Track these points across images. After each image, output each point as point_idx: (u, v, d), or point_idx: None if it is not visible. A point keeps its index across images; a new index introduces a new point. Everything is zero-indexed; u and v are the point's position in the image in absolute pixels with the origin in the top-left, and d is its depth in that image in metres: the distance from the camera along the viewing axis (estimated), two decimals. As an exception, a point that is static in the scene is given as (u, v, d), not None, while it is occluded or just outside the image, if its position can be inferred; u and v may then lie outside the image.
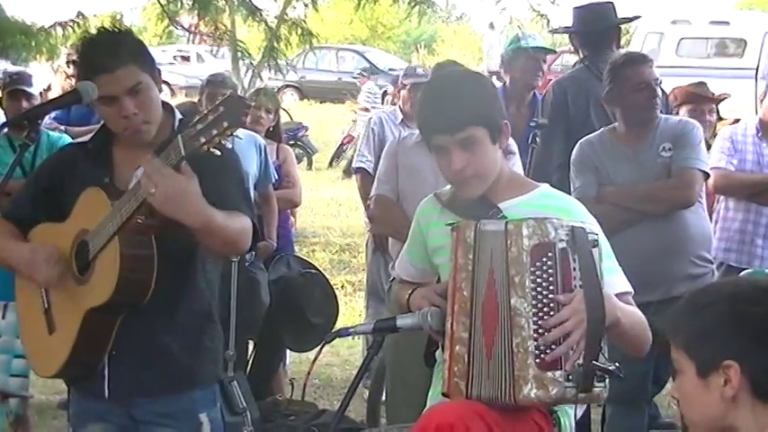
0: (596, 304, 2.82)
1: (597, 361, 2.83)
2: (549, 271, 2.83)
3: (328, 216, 13.15)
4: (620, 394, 4.97)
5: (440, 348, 3.10)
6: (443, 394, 3.01)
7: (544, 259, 2.82)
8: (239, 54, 9.20)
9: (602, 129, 5.23)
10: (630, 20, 7.33)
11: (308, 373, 3.24)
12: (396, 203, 5.10)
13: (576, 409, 3.02)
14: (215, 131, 2.90)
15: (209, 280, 3.49)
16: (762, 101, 6.12)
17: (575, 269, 2.84)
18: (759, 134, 5.98)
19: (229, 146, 2.99)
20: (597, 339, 2.83)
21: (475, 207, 3.11)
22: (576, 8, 6.37)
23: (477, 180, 3.11)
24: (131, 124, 3.29)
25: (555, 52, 6.03)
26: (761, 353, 2.30)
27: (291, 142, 12.21)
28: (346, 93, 22.00)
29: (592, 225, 2.98)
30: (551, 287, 2.83)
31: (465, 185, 3.13)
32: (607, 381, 2.88)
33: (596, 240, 2.89)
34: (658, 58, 5.24)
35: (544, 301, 2.83)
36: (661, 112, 5.13)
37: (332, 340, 3.22)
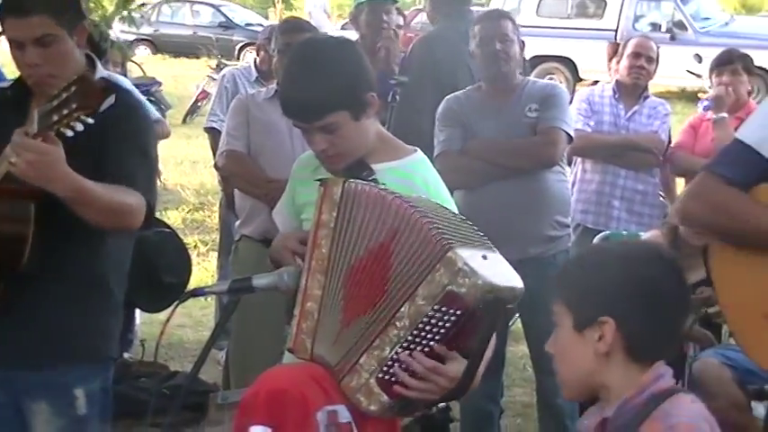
0: (465, 384, 2.70)
1: (430, 409, 2.82)
2: (447, 324, 2.64)
3: (182, 174, 12.89)
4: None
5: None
6: (289, 350, 2.91)
7: (450, 310, 2.62)
8: (91, 5, 8.89)
9: (468, 87, 5.19)
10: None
11: (161, 334, 3.11)
12: (248, 157, 4.98)
13: None
14: (65, 111, 2.80)
15: (110, 250, 3.38)
16: (618, 62, 6.19)
17: (470, 336, 2.67)
18: (616, 95, 6.06)
19: (80, 128, 2.84)
20: (443, 401, 2.81)
21: (350, 167, 3.01)
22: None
23: (340, 158, 3.02)
24: (35, 74, 3.19)
25: (396, 2, 5.90)
26: (642, 315, 2.33)
27: (144, 98, 11.89)
28: (201, 47, 21.63)
29: (515, 280, 2.72)
30: (437, 336, 2.66)
31: (330, 162, 3.05)
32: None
33: (513, 308, 2.72)
34: (518, 17, 5.19)
35: (423, 341, 2.67)
36: (522, 73, 5.12)
37: (186, 300, 3.11)
